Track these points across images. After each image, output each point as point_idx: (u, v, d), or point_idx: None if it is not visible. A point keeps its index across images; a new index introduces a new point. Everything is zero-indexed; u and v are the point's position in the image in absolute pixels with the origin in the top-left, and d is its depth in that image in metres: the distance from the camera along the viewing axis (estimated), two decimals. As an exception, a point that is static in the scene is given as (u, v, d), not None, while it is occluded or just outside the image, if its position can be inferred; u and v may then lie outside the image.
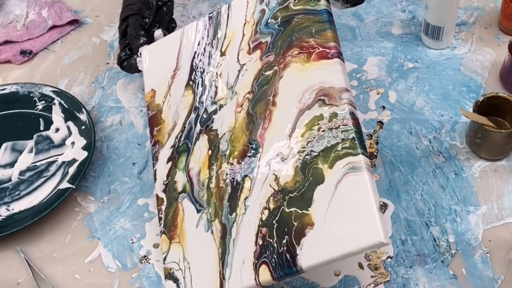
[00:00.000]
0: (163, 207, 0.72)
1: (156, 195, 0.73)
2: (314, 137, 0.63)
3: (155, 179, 0.74)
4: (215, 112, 0.72)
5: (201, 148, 0.71)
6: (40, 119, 0.90)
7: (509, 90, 0.85)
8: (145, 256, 0.76)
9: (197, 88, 0.74)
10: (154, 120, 0.77)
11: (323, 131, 0.62)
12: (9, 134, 0.89)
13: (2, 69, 1.00)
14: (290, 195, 0.62)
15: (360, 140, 0.60)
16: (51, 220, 0.80)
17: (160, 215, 0.72)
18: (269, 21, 0.71)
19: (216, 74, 0.74)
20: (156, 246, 0.76)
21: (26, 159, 0.85)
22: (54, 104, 0.90)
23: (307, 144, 0.63)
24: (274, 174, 0.64)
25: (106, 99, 0.93)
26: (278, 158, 0.64)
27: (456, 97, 0.86)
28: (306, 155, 0.63)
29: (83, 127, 0.86)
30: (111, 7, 1.07)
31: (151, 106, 0.78)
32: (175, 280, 0.67)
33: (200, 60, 0.76)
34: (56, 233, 0.79)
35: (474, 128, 0.77)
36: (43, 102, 0.91)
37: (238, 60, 0.72)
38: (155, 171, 0.74)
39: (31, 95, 0.92)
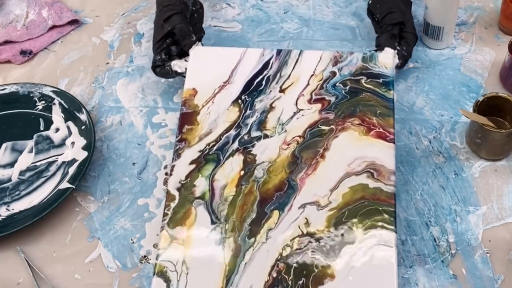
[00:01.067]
0: (173, 205, 0.72)
1: (168, 190, 0.73)
2: (355, 201, 0.69)
3: (171, 174, 0.74)
4: (258, 138, 0.76)
5: (233, 165, 0.74)
6: (40, 119, 0.90)
7: (509, 90, 0.85)
8: (145, 256, 0.76)
9: (245, 109, 0.78)
10: (187, 118, 0.79)
11: (365, 199, 0.69)
12: (9, 134, 0.89)
13: (2, 69, 1.00)
14: (317, 243, 0.67)
15: (395, 220, 0.68)
16: (51, 220, 0.80)
17: (166, 211, 0.72)
18: (337, 84, 0.79)
19: (270, 105, 0.78)
20: (156, 246, 0.76)
21: (26, 159, 0.85)
22: (54, 104, 0.90)
23: (347, 204, 0.69)
24: (305, 218, 0.69)
25: (106, 99, 0.93)
26: (314, 206, 0.70)
27: (456, 97, 0.86)
28: (343, 213, 0.69)
29: (83, 127, 0.86)
30: (111, 7, 1.07)
31: (188, 104, 0.80)
32: (167, 280, 0.67)
33: (257, 85, 0.80)
34: (56, 233, 0.79)
35: (474, 128, 0.77)
36: (43, 102, 0.91)
37: (296, 104, 0.78)
38: (172, 166, 0.75)
39: (31, 95, 0.92)
